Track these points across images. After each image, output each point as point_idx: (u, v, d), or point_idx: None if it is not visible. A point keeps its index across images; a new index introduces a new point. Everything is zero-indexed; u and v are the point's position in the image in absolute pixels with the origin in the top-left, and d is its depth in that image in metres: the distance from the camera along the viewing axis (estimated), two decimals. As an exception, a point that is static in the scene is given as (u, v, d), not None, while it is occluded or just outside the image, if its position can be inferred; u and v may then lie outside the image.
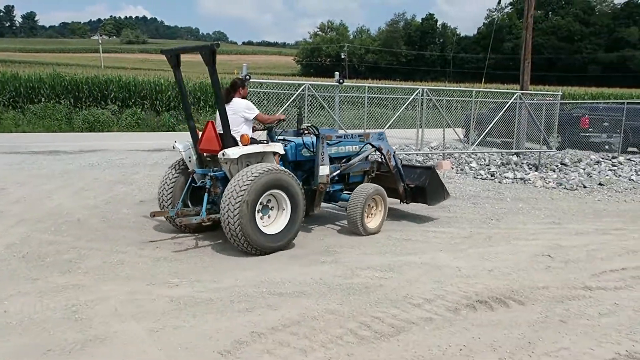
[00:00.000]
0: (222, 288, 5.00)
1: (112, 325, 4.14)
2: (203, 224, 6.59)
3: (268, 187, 5.97)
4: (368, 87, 14.90)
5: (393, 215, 8.36)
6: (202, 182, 6.56)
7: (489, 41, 36.54)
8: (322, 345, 3.88)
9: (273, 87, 15.04)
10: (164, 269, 5.58)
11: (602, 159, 15.31)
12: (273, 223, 6.24)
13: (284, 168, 6.32)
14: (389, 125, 14.27)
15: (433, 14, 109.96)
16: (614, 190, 11.12)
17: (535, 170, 13.80)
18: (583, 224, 8.18)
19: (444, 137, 15.15)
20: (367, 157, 7.91)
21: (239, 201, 5.73)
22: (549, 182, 11.96)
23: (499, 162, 14.95)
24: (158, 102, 26.09)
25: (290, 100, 13.05)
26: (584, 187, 11.40)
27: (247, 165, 6.24)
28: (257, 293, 4.90)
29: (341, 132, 8.58)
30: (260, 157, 6.45)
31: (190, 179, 6.72)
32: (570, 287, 5.31)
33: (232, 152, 6.10)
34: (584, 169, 13.68)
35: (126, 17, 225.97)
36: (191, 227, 6.87)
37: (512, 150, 15.50)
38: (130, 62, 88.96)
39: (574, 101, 24.99)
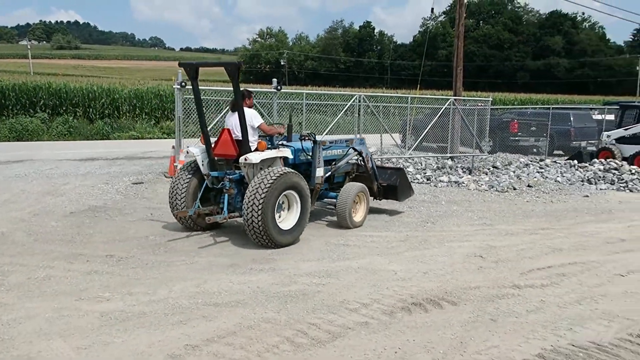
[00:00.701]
0: (155, 300, 4.87)
1: (36, 345, 3.95)
2: (220, 221, 7.19)
3: (285, 188, 6.69)
4: (306, 93, 14.95)
5: (332, 221, 8.42)
6: (222, 183, 7.16)
7: (423, 49, 37.49)
8: (257, 355, 3.84)
9: (211, 94, 14.85)
10: (95, 283, 5.38)
11: (531, 161, 15.96)
12: (285, 219, 6.90)
13: (294, 170, 6.99)
14: (328, 132, 14.37)
15: (370, 22, 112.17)
16: (542, 192, 11.62)
17: (469, 174, 14.23)
18: (513, 224, 8.50)
19: (381, 142, 15.40)
20: (358, 159, 8.89)
21: (262, 202, 6.39)
22: (482, 184, 12.37)
23: (435, 166, 15.32)
24: (91, 109, 25.24)
25: (229, 106, 12.92)
26: (514, 189, 11.85)
27: (261, 169, 6.90)
28: (192, 304, 4.80)
29: (333, 137, 9.61)
30: (272, 161, 7.13)
31: (205, 180, 7.29)
32: (500, 286, 5.50)
33: (254, 157, 6.81)
34: (514, 172, 14.23)
35: (57, 21, 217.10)
36: (201, 225, 7.41)
37: (447, 155, 15.92)
38: (62, 68, 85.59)
39: (504, 107, 26.00)
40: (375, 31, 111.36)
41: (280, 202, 6.79)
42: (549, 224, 8.59)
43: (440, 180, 12.83)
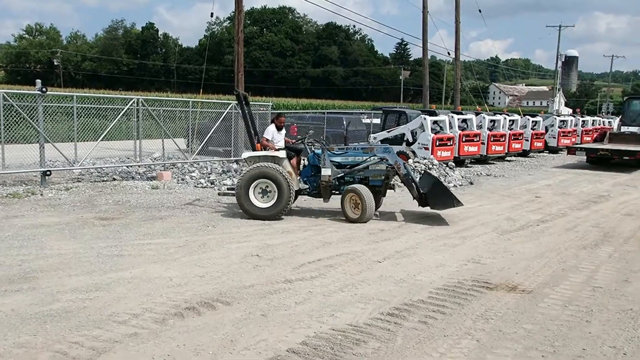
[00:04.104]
0: None
1: None
2: None
3: (256, 177, 9.14)
4: (77, 96, 13.91)
5: (110, 231, 7.96)
6: None
7: (209, 53, 37.51)
8: (7, 385, 3.47)
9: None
10: None
11: (310, 163, 16.98)
12: (268, 201, 9.18)
13: (273, 165, 9.18)
14: (105, 137, 13.58)
15: (153, 23, 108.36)
16: (318, 191, 12.43)
17: (253, 176, 14.60)
18: (289, 222, 8.96)
19: (163, 147, 15.03)
20: (386, 165, 9.46)
21: (238, 185, 9.20)
22: (263, 186, 12.78)
23: (220, 170, 15.42)
24: None
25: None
26: (293, 189, 12.49)
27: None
28: None
29: (350, 145, 11.05)
30: (271, 159, 9.43)
31: None
32: (274, 282, 5.77)
33: (244, 155, 9.88)
34: (294, 173, 14.97)
35: None
36: None
37: (232, 158, 16.15)
38: None
39: (285, 111, 27.24)
40: (160, 33, 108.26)
41: (265, 187, 9.18)
42: (322, 221, 9.25)
43: (224, 184, 12.96)
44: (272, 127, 10.05)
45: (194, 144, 15.80)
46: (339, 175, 9.59)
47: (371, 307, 5.11)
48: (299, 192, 9.77)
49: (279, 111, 11.69)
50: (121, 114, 13.27)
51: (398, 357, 4.10)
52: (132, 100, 13.52)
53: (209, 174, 14.81)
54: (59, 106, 16.12)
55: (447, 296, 5.52)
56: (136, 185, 12.41)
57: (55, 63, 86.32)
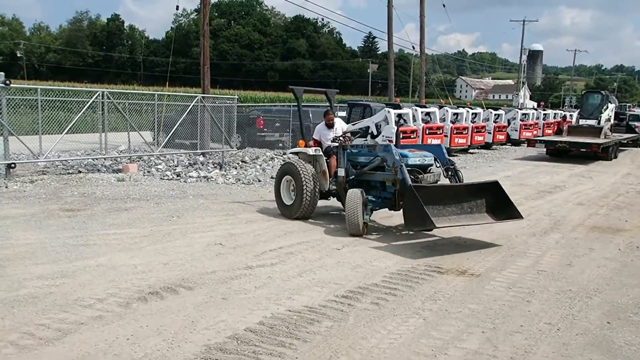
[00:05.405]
0: None
1: None
2: None
3: (283, 174, 9.04)
4: (42, 89, 13.80)
5: (75, 222, 8.07)
6: None
7: (176, 45, 37.23)
8: (-25, 364, 3.66)
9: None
10: None
11: (276, 155, 17.24)
12: (293, 198, 8.83)
13: (298, 162, 8.82)
14: (70, 130, 13.54)
15: (119, 15, 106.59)
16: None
17: (220, 169, 14.80)
18: (252, 213, 9.20)
19: (129, 140, 15.06)
20: (398, 169, 7.55)
21: (275, 182, 9.29)
22: (229, 178, 13.01)
23: (187, 163, 15.56)
24: None
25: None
26: (259, 180, 12.75)
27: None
28: None
29: (360, 142, 9.93)
30: (311, 158, 9.08)
31: None
32: (235, 269, 6.02)
33: (288, 152, 10.40)
34: (260, 165, 15.22)
35: None
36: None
37: (198, 151, 16.26)
38: None
39: (252, 104, 27.35)
40: (125, 25, 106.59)
41: (294, 185, 8.76)
42: (285, 211, 9.50)
43: (190, 176, 13.11)
44: (320, 126, 9.46)
45: (160, 136, 15.83)
46: (351, 177, 8.47)
47: (327, 291, 5.41)
48: (329, 193, 9.01)
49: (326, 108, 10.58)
50: (86, 107, 13.23)
51: (349, 334, 4.40)
52: (97, 94, 13.50)
53: (175, 166, 14.93)
54: (22, 99, 15.93)
55: (400, 280, 5.85)
56: (102, 178, 12.46)
57: (19, 55, 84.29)
